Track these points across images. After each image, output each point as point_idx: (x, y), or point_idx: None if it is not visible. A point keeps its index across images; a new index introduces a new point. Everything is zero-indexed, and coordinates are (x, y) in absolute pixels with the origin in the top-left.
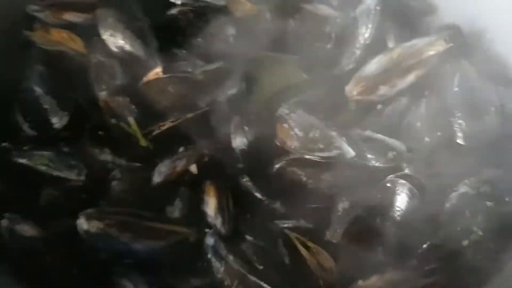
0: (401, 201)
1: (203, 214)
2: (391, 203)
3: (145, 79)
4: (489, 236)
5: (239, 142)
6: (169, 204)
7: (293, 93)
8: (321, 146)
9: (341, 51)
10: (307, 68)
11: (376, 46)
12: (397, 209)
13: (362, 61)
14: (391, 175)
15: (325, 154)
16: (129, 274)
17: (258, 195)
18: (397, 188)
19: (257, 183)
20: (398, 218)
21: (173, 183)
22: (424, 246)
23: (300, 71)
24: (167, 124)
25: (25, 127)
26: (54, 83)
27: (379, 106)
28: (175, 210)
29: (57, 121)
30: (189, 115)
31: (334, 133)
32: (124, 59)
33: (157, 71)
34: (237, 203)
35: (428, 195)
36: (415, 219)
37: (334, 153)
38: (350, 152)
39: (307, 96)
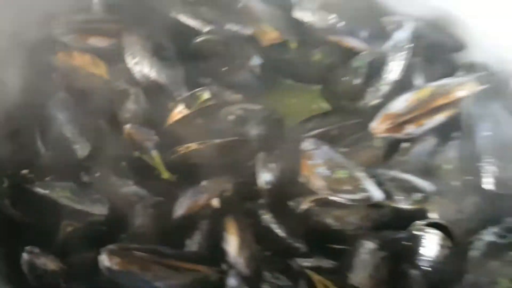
0: (430, 250)
1: (224, 252)
2: (419, 251)
3: (170, 120)
4: None
5: (264, 178)
6: (189, 237)
7: (317, 123)
8: (348, 188)
9: (366, 85)
10: (330, 99)
11: (403, 82)
12: (425, 257)
13: (389, 97)
14: (419, 221)
15: (352, 197)
16: None
17: (280, 232)
18: (425, 237)
19: (280, 220)
20: (426, 266)
21: (194, 216)
22: None
23: (323, 100)
24: (193, 146)
25: (46, 155)
26: (77, 111)
27: (405, 145)
28: (195, 244)
29: (80, 150)
30: (217, 141)
31: (362, 174)
32: (149, 87)
33: (180, 109)
34: (257, 240)
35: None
36: (443, 268)
37: (361, 195)
38: (378, 195)
39: (330, 128)
